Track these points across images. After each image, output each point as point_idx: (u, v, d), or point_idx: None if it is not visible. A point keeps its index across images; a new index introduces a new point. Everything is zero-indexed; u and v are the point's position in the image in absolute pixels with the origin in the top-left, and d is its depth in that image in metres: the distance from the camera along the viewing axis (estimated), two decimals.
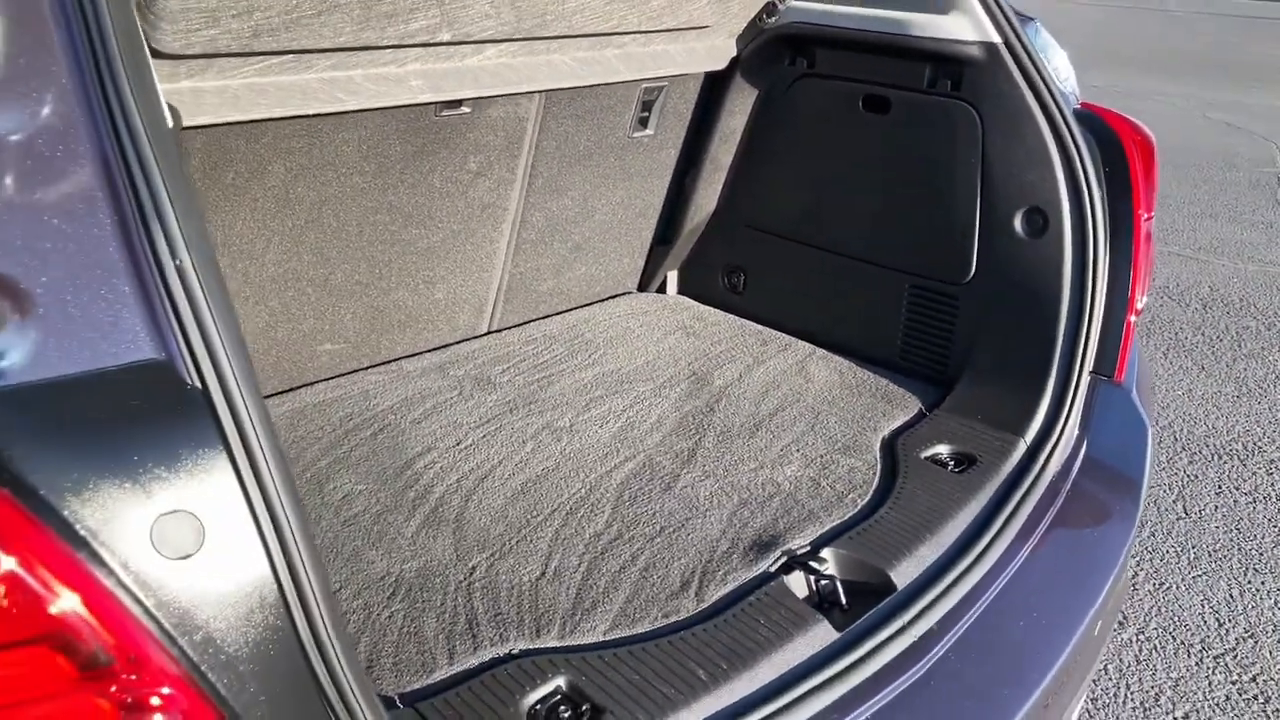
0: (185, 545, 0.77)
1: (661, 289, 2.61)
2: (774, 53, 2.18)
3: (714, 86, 2.27)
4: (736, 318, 2.41)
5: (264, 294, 1.78)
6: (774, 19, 2.10)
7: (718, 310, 2.46)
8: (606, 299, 2.53)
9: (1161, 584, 2.64)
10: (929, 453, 1.78)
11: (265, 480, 0.78)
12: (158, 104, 0.83)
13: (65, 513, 0.72)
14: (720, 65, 2.17)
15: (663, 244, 2.53)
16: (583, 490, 1.67)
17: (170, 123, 0.86)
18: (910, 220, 2.05)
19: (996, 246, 1.91)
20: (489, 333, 2.31)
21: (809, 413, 1.95)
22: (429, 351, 2.18)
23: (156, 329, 0.78)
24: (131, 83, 0.81)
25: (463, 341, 2.24)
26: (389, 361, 2.11)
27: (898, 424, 1.91)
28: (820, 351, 2.22)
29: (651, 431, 1.88)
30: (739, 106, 2.27)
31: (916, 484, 1.67)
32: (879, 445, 1.83)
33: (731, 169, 2.36)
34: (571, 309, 2.45)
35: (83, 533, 0.73)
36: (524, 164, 2.06)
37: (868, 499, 1.66)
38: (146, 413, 0.77)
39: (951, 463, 1.76)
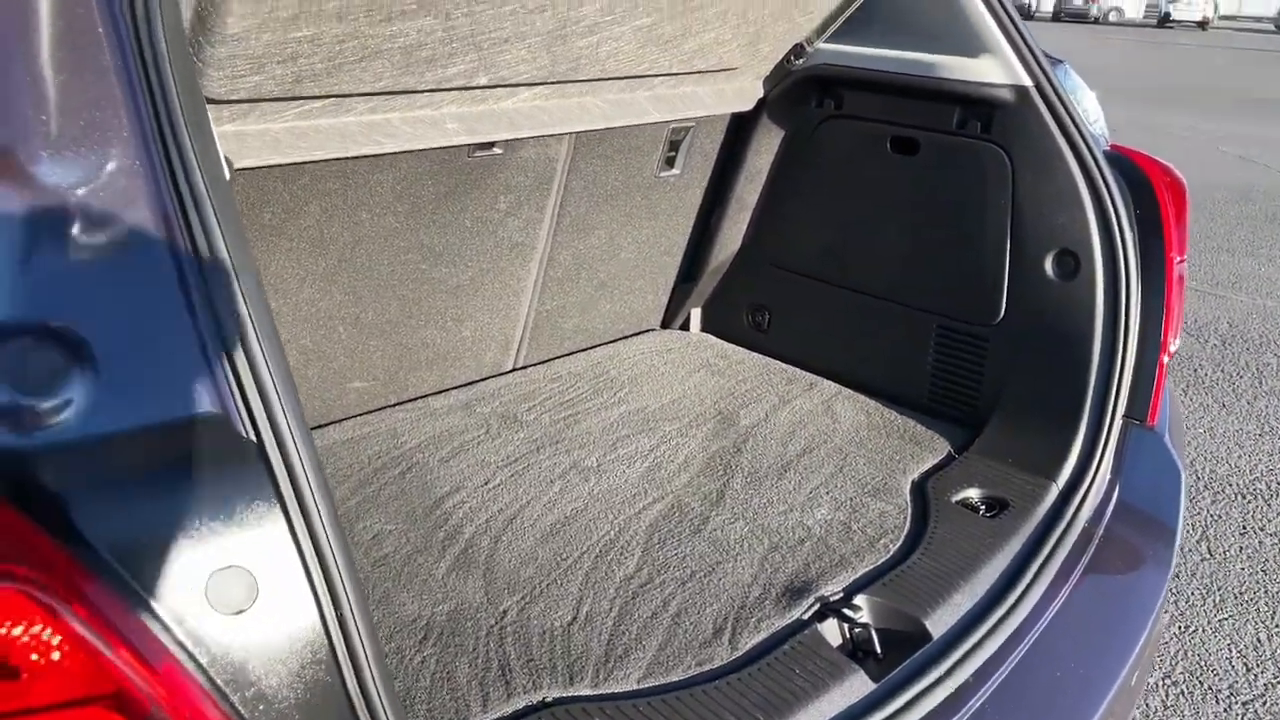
0: (238, 601, 0.77)
1: (685, 326, 2.61)
2: (801, 94, 2.20)
3: (741, 126, 2.29)
4: (761, 356, 2.41)
5: (297, 333, 1.79)
6: (802, 61, 2.12)
7: (742, 348, 2.46)
8: (630, 336, 2.53)
9: (1187, 627, 2.60)
10: (960, 496, 1.77)
11: (319, 535, 0.78)
12: (216, 158, 0.84)
13: (121, 568, 0.72)
14: (748, 106, 2.19)
15: (687, 281, 2.54)
16: (612, 532, 1.67)
17: (227, 175, 0.87)
18: (938, 261, 2.05)
19: (1027, 288, 1.91)
20: (514, 370, 2.31)
21: (837, 454, 1.94)
22: (455, 389, 2.18)
23: (213, 382, 0.78)
24: (192, 137, 0.82)
25: (489, 379, 2.24)
26: (416, 399, 2.11)
27: (927, 466, 1.89)
28: (846, 391, 2.22)
29: (679, 472, 1.87)
30: (765, 146, 2.28)
31: (948, 529, 1.66)
32: (909, 488, 1.82)
33: (757, 208, 2.37)
34: (596, 346, 2.46)
35: (138, 589, 0.73)
36: (553, 203, 2.08)
37: (900, 544, 1.64)
38: (202, 466, 0.77)
39: (983, 507, 1.75)
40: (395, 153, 1.66)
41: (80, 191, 0.79)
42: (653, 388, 2.23)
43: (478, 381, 2.23)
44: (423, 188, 1.81)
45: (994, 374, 1.98)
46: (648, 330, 2.58)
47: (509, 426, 2.02)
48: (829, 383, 2.26)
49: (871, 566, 1.58)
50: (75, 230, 0.78)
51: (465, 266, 2.01)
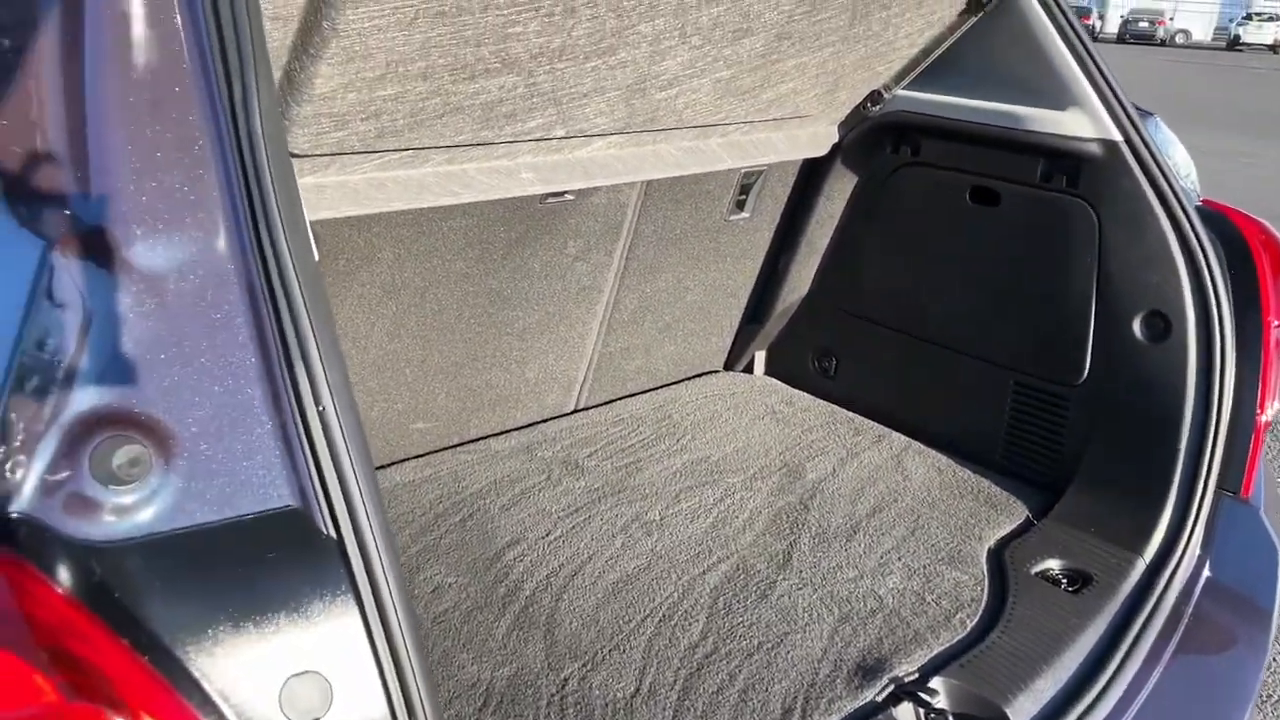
0: (313, 708, 0.74)
1: (748, 369, 2.56)
2: (877, 140, 2.14)
3: (813, 170, 2.24)
4: (827, 403, 2.35)
5: (364, 375, 1.78)
6: (879, 107, 2.07)
7: (807, 394, 2.40)
8: (693, 377, 2.49)
9: None
10: (1039, 568, 1.69)
11: (396, 642, 0.75)
12: (307, 240, 0.82)
13: (195, 672, 0.70)
14: (822, 152, 2.14)
15: (752, 324, 2.49)
16: (676, 595, 1.62)
17: (315, 255, 0.85)
18: (1017, 316, 1.98)
19: (1113, 349, 1.83)
20: (575, 411, 2.28)
21: (908, 515, 1.88)
22: (516, 430, 2.16)
23: (294, 475, 0.76)
24: (284, 220, 0.80)
25: (550, 420, 2.22)
26: (478, 440, 2.09)
27: (1003, 532, 1.82)
28: (916, 445, 2.15)
29: (744, 530, 1.82)
30: (838, 191, 2.23)
31: (1028, 605, 1.58)
32: (985, 556, 1.75)
33: (827, 252, 2.32)
34: (658, 388, 2.42)
35: (212, 694, 0.70)
36: (621, 247, 2.05)
37: (977, 620, 1.57)
38: (280, 566, 0.75)
39: (1064, 580, 1.67)
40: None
41: (170, 275, 0.77)
42: (716, 435, 2.19)
43: (539, 423, 2.20)
44: (494, 233, 1.79)
45: (1075, 436, 1.90)
46: (710, 372, 2.54)
47: (570, 473, 1.99)
48: (898, 435, 2.19)
49: (948, 644, 1.51)
50: (162, 315, 0.76)
51: (532, 310, 1.99)
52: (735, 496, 1.93)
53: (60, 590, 0.67)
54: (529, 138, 1.53)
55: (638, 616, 1.56)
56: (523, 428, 2.17)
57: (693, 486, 1.96)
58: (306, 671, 0.72)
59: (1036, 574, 1.68)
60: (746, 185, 2.17)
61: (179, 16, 0.81)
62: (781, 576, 1.68)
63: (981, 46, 1.90)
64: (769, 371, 2.56)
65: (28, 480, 0.69)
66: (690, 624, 1.55)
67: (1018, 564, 1.70)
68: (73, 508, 0.70)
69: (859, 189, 2.22)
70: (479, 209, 1.73)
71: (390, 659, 0.75)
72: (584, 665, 1.45)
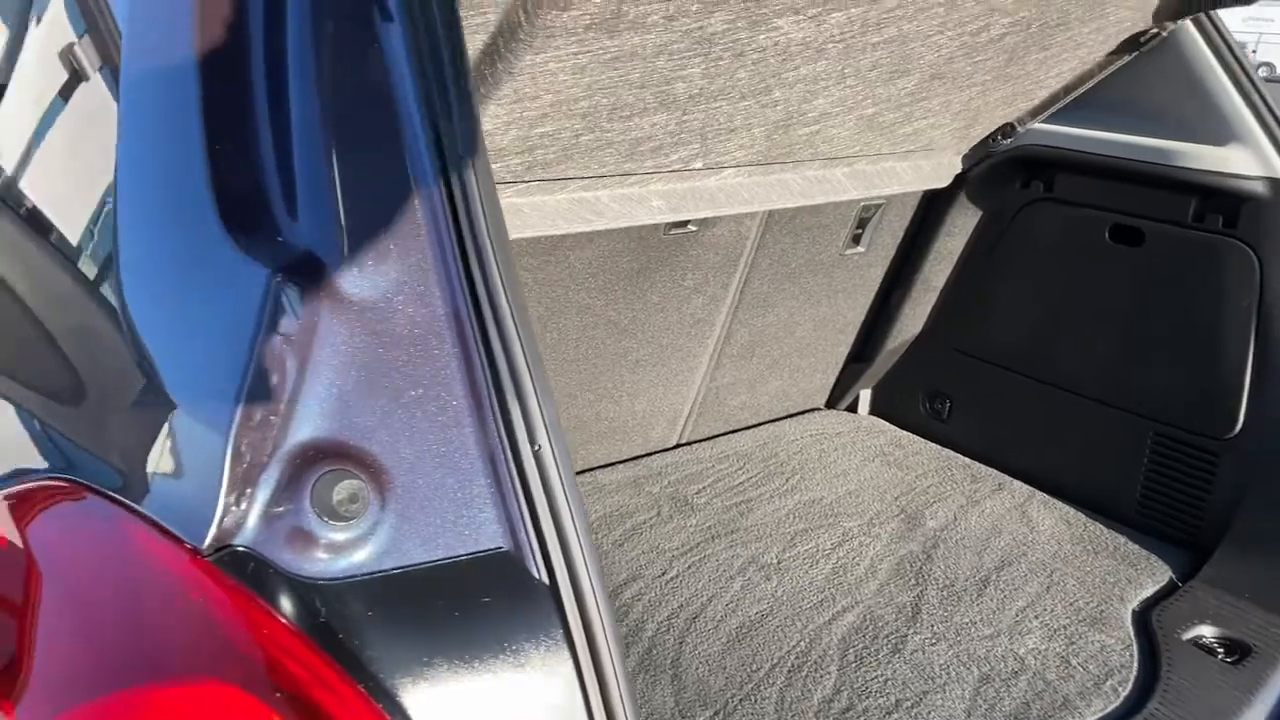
0: None
1: (851, 407, 2.48)
2: (1005, 174, 2.06)
3: (933, 205, 2.17)
4: (939, 447, 2.26)
5: None
6: (1009, 140, 1.99)
7: (916, 436, 2.31)
8: (796, 414, 2.42)
9: None
10: (1191, 634, 1.58)
11: (611, 693, 0.70)
12: (519, 283, 0.77)
13: (415, 716, 0.65)
14: (944, 183, 2.07)
15: (858, 362, 2.41)
16: (803, 643, 1.54)
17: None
18: (1160, 363, 1.87)
19: (1272, 403, 1.71)
20: (678, 445, 2.22)
21: (1041, 570, 1.77)
22: (622, 463, 2.10)
23: (507, 517, 0.71)
24: (497, 255, 0.76)
25: (654, 454, 2.16)
26: (585, 471, 2.04)
27: (1148, 594, 1.70)
28: (1040, 495, 2.04)
29: (866, 578, 1.73)
30: (959, 227, 2.15)
31: (1184, 675, 1.47)
32: (1130, 618, 1.64)
33: (944, 290, 2.24)
34: (761, 424, 2.35)
35: None
36: (738, 280, 2.00)
37: (1129, 688, 1.46)
38: (493, 610, 0.70)
39: (1221, 650, 1.55)
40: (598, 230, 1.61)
41: (381, 308, 0.73)
42: (826, 476, 2.11)
43: (643, 457, 2.15)
44: (618, 264, 1.75)
45: (1224, 493, 1.78)
46: (812, 410, 2.46)
47: (680, 510, 1.93)
48: (1019, 483, 2.09)
49: (1101, 713, 1.41)
50: (374, 349, 0.72)
51: (647, 342, 1.94)
52: (854, 542, 1.85)
53: (286, 625, 0.63)
54: (668, 169, 1.49)
55: (766, 664, 1.48)
56: (627, 461, 2.12)
57: (808, 529, 1.89)
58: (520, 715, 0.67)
59: (1188, 641, 1.56)
60: (864, 219, 2.11)
61: (385, 50, 0.78)
62: (912, 630, 1.59)
63: (1126, 79, 1.82)
64: (873, 411, 2.47)
65: (252, 512, 0.65)
66: (822, 676, 1.47)
67: (1167, 629, 1.58)
68: (294, 542, 0.66)
69: (982, 224, 2.14)
70: (606, 239, 1.69)
71: (601, 704, 0.69)
72: (715, 714, 1.38)
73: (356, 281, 0.73)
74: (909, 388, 2.36)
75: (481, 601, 0.69)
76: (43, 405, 0.83)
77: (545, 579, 0.70)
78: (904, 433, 2.33)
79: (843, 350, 2.40)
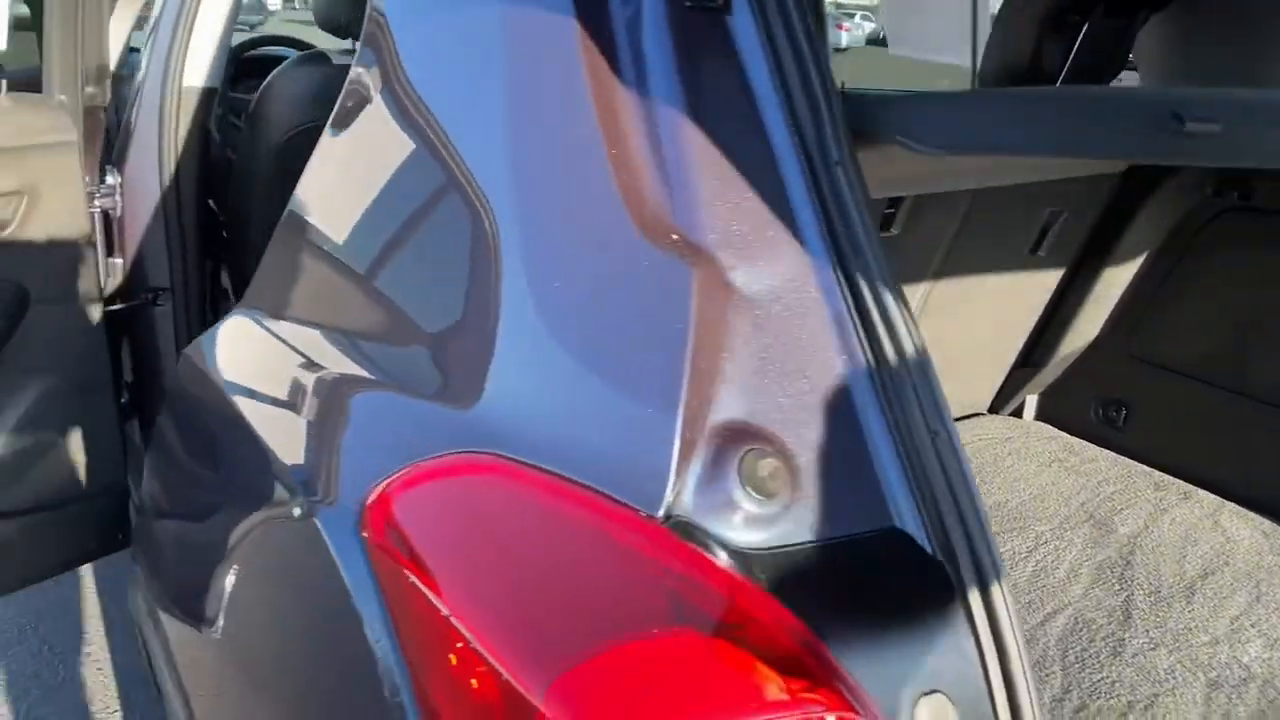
0: None
1: (1016, 413, 2.48)
2: (1195, 180, 2.04)
3: (1117, 209, 2.15)
4: (1114, 454, 2.24)
5: None
6: None
7: (1089, 444, 2.30)
8: (961, 419, 2.42)
9: None
10: None
11: (1013, 671, 0.73)
12: (895, 275, 0.81)
13: (850, 679, 0.70)
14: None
15: (1025, 366, 2.40)
16: None
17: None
18: None
19: None
20: None
21: (1246, 580, 1.75)
22: None
23: (906, 496, 0.75)
24: (866, 236, 0.80)
25: None
26: None
27: None
28: (1230, 505, 2.01)
29: (1069, 581, 1.74)
30: (1143, 233, 2.14)
31: None
32: None
33: (1124, 295, 2.22)
34: None
35: (866, 700, 0.70)
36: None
37: None
38: (896, 587, 0.74)
39: None
40: None
41: (765, 295, 0.78)
42: (1004, 481, 2.11)
43: None
44: None
45: None
46: (975, 415, 2.46)
47: None
48: (1204, 493, 2.07)
49: None
50: (765, 334, 0.77)
51: None
52: (1048, 546, 1.86)
53: (746, 581, 0.68)
54: None
55: None
56: None
57: (999, 533, 1.90)
58: (934, 691, 0.71)
59: None
60: (1048, 225, 2.11)
61: (747, 45, 0.83)
62: (1128, 634, 1.59)
63: None
64: (1038, 417, 2.46)
65: (690, 486, 0.71)
66: (1048, 676, 1.48)
67: None
68: (728, 513, 0.71)
69: (1170, 233, 2.12)
70: None
71: (1004, 690, 0.73)
72: None
73: (749, 278, 0.78)
74: (1079, 394, 2.35)
75: (885, 577, 0.73)
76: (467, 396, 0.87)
77: (941, 558, 0.74)
78: (1076, 440, 2.32)
79: (1012, 355, 2.39)
